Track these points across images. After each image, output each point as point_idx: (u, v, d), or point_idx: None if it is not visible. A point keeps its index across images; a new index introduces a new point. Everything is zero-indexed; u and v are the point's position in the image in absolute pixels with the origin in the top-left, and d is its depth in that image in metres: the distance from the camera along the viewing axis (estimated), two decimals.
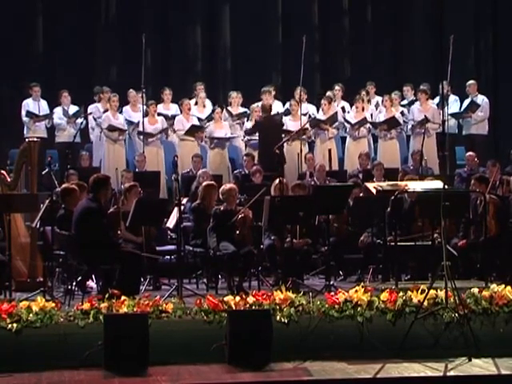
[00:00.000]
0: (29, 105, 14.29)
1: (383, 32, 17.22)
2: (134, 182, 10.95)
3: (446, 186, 8.96)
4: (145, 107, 14.07)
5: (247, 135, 14.17)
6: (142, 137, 13.98)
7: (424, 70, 16.29)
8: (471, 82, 14.87)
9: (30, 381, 6.85)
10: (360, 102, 14.46)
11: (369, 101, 14.91)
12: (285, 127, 14.02)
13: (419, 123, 14.18)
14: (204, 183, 10.83)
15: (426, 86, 14.65)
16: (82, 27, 15.88)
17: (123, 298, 7.57)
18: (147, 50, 15.23)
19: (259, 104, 14.36)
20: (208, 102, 14.89)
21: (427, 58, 16.40)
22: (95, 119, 14.17)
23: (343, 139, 14.74)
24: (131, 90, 14.38)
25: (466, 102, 14.74)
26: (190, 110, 14.31)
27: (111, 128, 13.87)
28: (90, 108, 14.36)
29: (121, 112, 14.27)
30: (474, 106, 14.57)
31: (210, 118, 14.41)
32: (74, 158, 13.52)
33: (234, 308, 7.51)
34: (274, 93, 14.79)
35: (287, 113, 14.51)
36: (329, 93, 14.88)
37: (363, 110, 14.48)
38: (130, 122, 14.20)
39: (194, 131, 14.04)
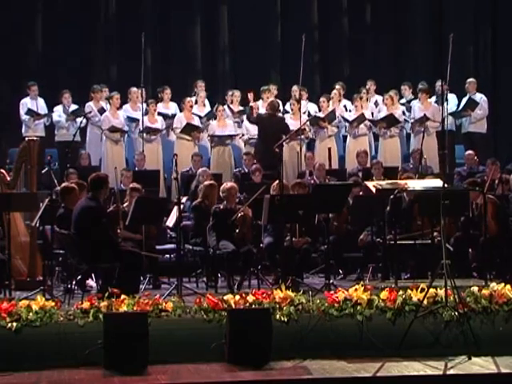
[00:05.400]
0: (27, 104, 14.29)
1: (383, 31, 17.23)
2: (138, 185, 10.91)
3: (446, 185, 8.95)
4: (144, 105, 14.10)
5: (248, 121, 14.09)
6: (143, 134, 13.98)
7: (423, 69, 16.31)
8: (471, 80, 14.87)
9: (30, 380, 6.84)
10: (358, 100, 14.49)
11: (367, 99, 14.91)
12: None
13: (418, 121, 14.19)
14: (206, 182, 10.84)
15: (423, 85, 14.65)
16: (82, 26, 15.91)
17: (123, 296, 7.56)
18: (147, 49, 15.26)
19: (257, 102, 14.39)
20: (207, 102, 14.90)
21: (427, 56, 16.41)
22: (89, 118, 14.16)
23: (344, 138, 14.75)
24: (133, 87, 14.38)
25: (464, 100, 14.74)
26: (191, 107, 14.33)
27: (113, 129, 13.88)
28: (86, 107, 14.35)
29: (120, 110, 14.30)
30: (472, 104, 14.57)
31: (209, 116, 14.43)
32: (73, 156, 13.53)
33: (233, 307, 7.51)
34: (275, 92, 14.80)
35: (286, 111, 14.56)
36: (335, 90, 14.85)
37: (362, 107, 14.49)
38: (131, 119, 14.20)
39: (189, 130, 14.05)
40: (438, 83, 14.10)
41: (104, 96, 14.49)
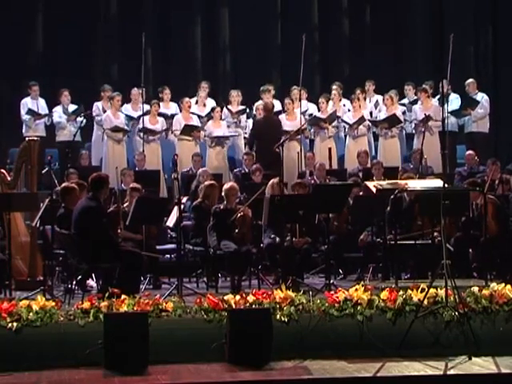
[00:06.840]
0: (27, 104, 14.30)
1: (383, 31, 17.22)
2: (139, 185, 10.90)
3: (446, 185, 8.95)
4: (145, 105, 14.10)
5: (249, 145, 14.11)
6: (142, 134, 13.99)
7: (424, 69, 16.30)
8: (470, 80, 14.87)
9: (30, 380, 6.84)
10: (356, 100, 14.48)
11: (365, 98, 14.90)
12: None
13: (422, 121, 14.15)
14: (206, 182, 10.85)
15: (428, 84, 14.64)
16: (82, 26, 15.91)
17: (123, 296, 7.56)
18: (147, 49, 15.26)
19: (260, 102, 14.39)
20: (211, 101, 14.90)
21: (427, 56, 16.41)
22: (92, 118, 14.16)
23: (345, 137, 14.74)
24: (134, 88, 14.39)
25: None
26: (190, 107, 14.32)
27: (115, 129, 13.88)
28: (94, 106, 14.36)
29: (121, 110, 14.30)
30: (472, 103, 14.56)
31: (209, 117, 14.43)
32: (73, 156, 13.53)
33: (234, 307, 7.51)
34: (273, 92, 14.80)
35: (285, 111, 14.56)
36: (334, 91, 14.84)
37: (360, 107, 14.48)
38: (130, 118, 14.20)
39: (188, 131, 14.05)
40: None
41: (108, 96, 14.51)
